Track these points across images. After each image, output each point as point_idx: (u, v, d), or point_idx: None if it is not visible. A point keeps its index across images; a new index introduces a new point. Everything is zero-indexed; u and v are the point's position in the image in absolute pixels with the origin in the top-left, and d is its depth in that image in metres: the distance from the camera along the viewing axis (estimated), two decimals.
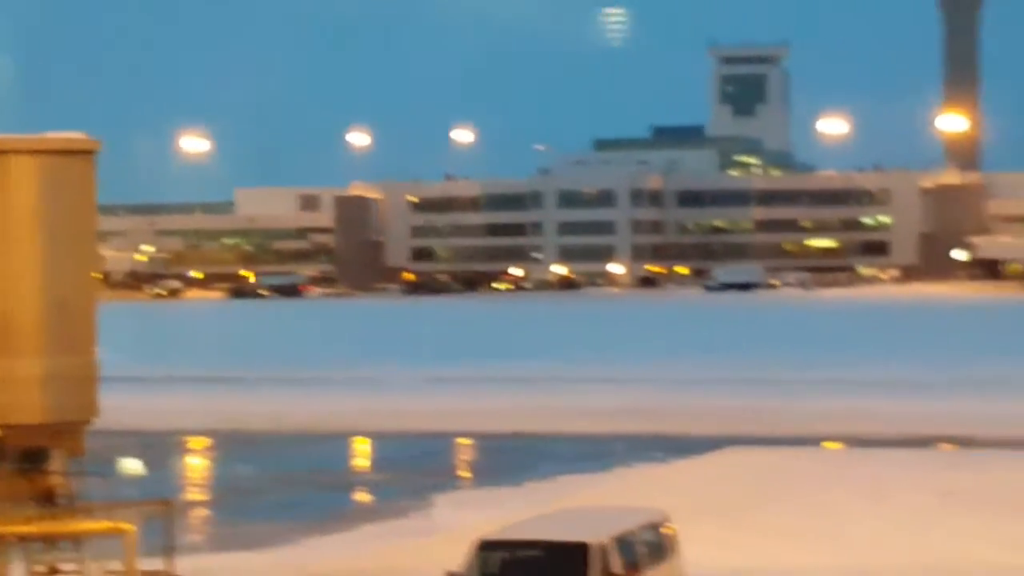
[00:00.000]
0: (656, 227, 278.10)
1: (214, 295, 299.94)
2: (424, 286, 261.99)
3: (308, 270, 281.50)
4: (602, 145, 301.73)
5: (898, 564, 38.76)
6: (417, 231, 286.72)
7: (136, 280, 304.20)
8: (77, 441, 30.79)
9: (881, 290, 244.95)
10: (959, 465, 59.20)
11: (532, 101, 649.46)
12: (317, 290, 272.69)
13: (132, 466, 65.41)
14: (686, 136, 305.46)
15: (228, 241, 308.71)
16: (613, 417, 76.22)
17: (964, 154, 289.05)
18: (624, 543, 29.22)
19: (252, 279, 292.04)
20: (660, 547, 31.05)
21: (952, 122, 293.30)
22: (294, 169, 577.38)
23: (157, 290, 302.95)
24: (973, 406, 79.24)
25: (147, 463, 65.59)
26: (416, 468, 62.12)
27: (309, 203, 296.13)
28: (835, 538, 42.78)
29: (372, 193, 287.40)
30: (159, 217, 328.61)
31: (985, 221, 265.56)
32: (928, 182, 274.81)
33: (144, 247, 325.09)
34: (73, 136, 28.80)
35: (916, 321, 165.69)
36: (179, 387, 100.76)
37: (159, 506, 30.90)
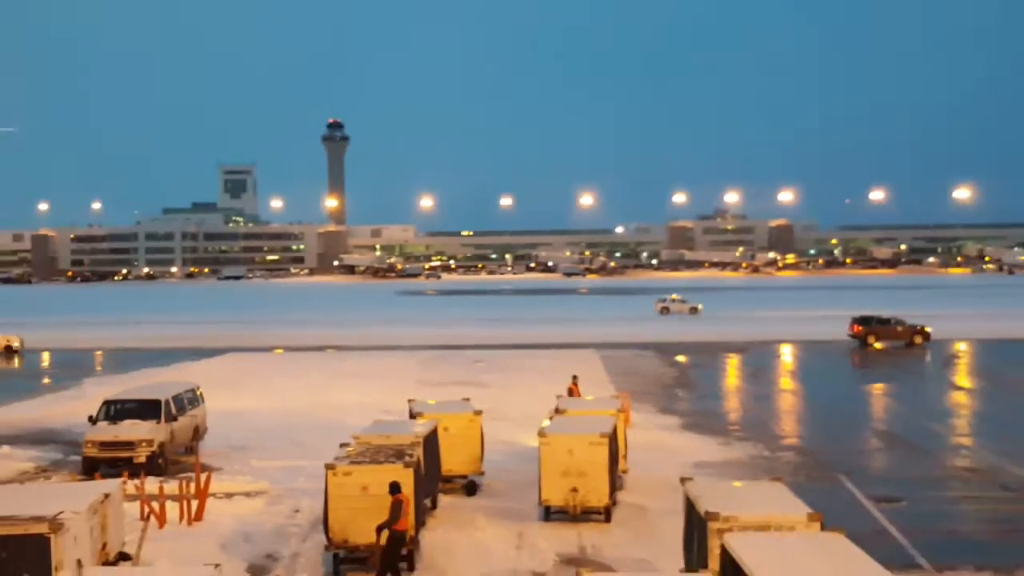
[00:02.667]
0: (194, 250, 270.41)
1: None
2: (79, 276, 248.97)
3: (18, 270, 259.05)
4: (167, 210, 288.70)
5: (309, 403, 39.99)
6: (75, 252, 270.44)
7: None
8: None
9: (298, 279, 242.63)
10: (343, 359, 60.05)
11: (136, 185, 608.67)
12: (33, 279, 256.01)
13: None
14: (208, 207, 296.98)
15: None
16: (175, 341, 73.47)
17: (338, 216, 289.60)
18: (177, 398, 29.76)
19: None
20: (195, 400, 31.50)
21: (332, 201, 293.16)
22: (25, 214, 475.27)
23: None
24: (344, 331, 78.77)
25: None
26: (72, 367, 59.15)
27: (18, 238, 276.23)
28: (277, 395, 43.98)
29: (52, 233, 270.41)
30: None
31: (348, 247, 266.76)
32: (320, 229, 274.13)
33: None
34: None
35: (318, 292, 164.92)
36: None
37: None
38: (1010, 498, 25.31)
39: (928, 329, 65.67)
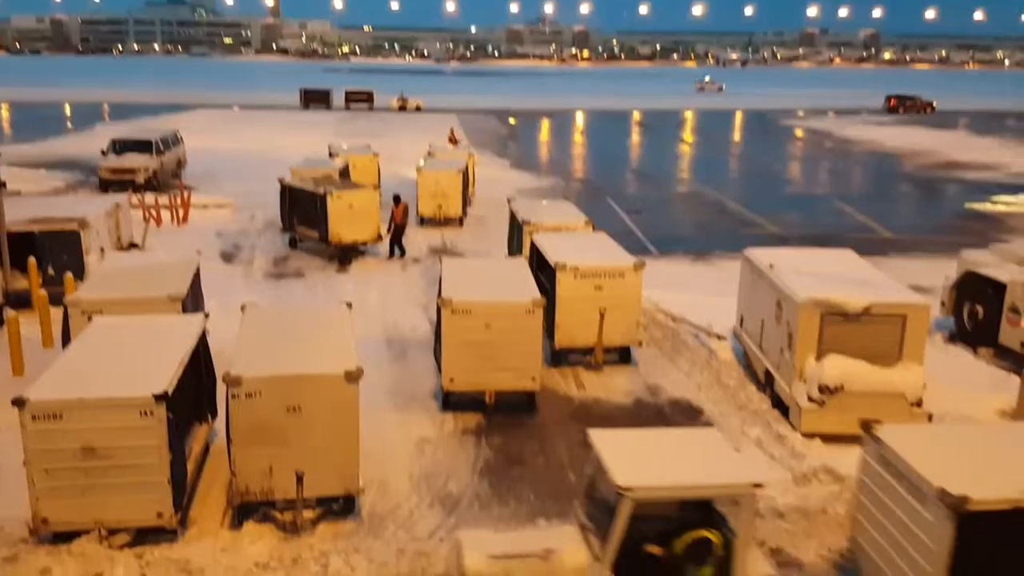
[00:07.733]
0: (171, 34, 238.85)
1: None
2: (89, 51, 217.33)
3: (40, 45, 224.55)
4: (149, 3, 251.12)
5: (258, 146, 37.35)
6: (84, 32, 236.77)
7: None
8: None
9: (247, 58, 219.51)
10: (282, 115, 54.62)
11: None
12: None
13: None
14: (179, 2, 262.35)
15: None
16: (158, 99, 66.03)
17: (275, 11, 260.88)
18: (164, 139, 28.57)
19: None
20: (177, 141, 30.63)
21: (269, 1, 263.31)
22: None
23: None
24: (281, 95, 69.78)
25: None
26: (85, 116, 53.40)
27: (40, 20, 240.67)
28: (235, 140, 41.30)
29: (65, 18, 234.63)
30: None
31: (282, 35, 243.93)
32: (263, 22, 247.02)
33: None
34: None
35: (262, 69, 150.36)
36: None
37: None
38: (706, 211, 26.73)
39: (935, 103, 63.82)
